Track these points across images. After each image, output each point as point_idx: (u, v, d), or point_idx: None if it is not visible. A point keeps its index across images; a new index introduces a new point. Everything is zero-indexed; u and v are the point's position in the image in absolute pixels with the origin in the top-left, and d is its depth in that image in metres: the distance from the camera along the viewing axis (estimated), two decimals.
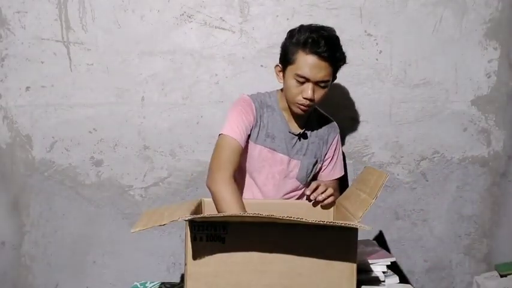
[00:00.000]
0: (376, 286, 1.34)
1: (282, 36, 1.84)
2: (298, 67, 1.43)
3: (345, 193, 1.44)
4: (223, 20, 1.87)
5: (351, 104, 1.91)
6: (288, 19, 1.85)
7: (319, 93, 1.46)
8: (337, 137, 1.67)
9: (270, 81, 1.85)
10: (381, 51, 1.88)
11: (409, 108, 1.92)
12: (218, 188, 1.41)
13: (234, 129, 1.48)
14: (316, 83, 1.44)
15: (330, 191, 1.44)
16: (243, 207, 1.37)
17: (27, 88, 1.90)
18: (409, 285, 1.39)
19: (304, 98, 1.45)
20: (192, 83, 1.89)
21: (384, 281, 1.36)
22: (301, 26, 1.47)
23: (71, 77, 1.89)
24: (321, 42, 1.40)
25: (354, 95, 1.91)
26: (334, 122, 1.68)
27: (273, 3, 1.86)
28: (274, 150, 1.56)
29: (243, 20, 1.87)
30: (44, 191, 1.94)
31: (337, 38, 1.47)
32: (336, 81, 1.87)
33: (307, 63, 1.41)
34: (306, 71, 1.42)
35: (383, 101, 1.91)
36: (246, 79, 1.87)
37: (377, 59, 1.89)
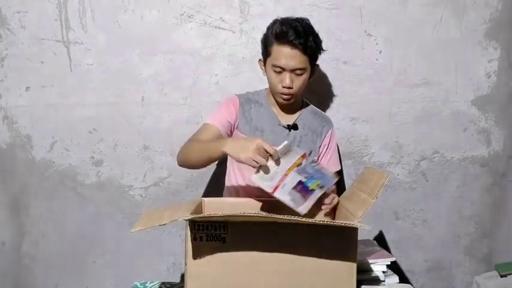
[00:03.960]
0: (376, 286, 1.34)
1: None
2: (274, 58, 1.50)
3: (345, 193, 1.44)
4: (223, 20, 1.87)
5: (351, 103, 1.91)
6: None
7: (298, 81, 1.52)
8: (332, 130, 1.68)
9: None
10: (381, 51, 1.88)
11: (409, 108, 1.92)
12: (180, 152, 1.50)
13: (213, 117, 1.57)
14: (292, 71, 1.50)
15: (335, 200, 1.41)
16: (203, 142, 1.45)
17: (27, 88, 1.90)
18: (409, 285, 1.39)
19: (284, 87, 1.51)
20: (192, 83, 1.89)
21: (383, 281, 1.36)
22: (276, 20, 1.55)
23: (71, 77, 1.89)
24: (290, 32, 1.46)
25: (354, 95, 1.91)
26: (328, 116, 1.72)
27: (273, 3, 1.86)
28: None
29: (243, 20, 1.87)
30: (44, 191, 1.94)
31: (308, 27, 1.51)
32: (336, 81, 1.89)
33: (281, 53, 1.48)
34: (280, 61, 1.48)
35: (383, 101, 1.91)
36: (246, 79, 1.87)
37: (377, 59, 1.89)
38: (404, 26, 1.87)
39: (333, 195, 1.44)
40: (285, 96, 1.53)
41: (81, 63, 1.88)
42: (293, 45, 1.46)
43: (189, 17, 1.86)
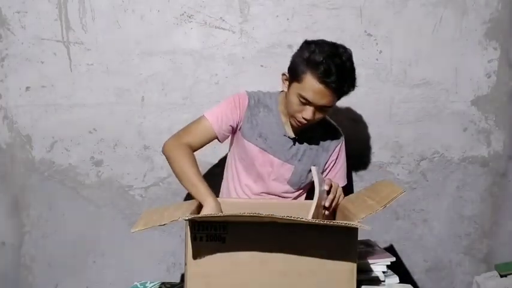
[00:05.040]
0: (376, 286, 1.34)
1: (283, 36, 1.86)
2: (303, 88, 1.38)
3: (349, 196, 1.43)
4: (223, 20, 1.87)
5: (350, 104, 1.91)
6: (288, 19, 1.86)
7: (320, 115, 1.44)
8: (340, 145, 1.62)
9: (270, 81, 1.85)
10: (381, 51, 1.88)
11: (409, 108, 1.92)
12: (169, 150, 1.46)
13: (214, 114, 1.51)
14: (318, 107, 1.41)
15: (339, 193, 1.40)
16: (196, 168, 1.42)
17: (27, 88, 1.90)
18: (409, 285, 1.38)
19: (304, 118, 1.43)
20: (192, 83, 1.89)
21: (384, 281, 1.36)
22: (318, 43, 1.40)
23: (71, 77, 1.89)
24: (332, 71, 1.33)
25: (354, 95, 1.89)
26: (339, 130, 1.63)
27: (273, 3, 1.86)
28: (265, 150, 1.54)
29: (243, 20, 1.87)
30: (44, 191, 1.94)
31: (350, 66, 1.40)
32: None
33: (313, 88, 1.36)
34: (310, 96, 1.38)
35: (383, 101, 1.91)
36: (246, 79, 1.87)
37: (377, 59, 1.89)
38: (404, 26, 1.87)
39: (335, 186, 1.40)
40: (299, 124, 1.46)
41: (81, 63, 1.88)
42: (329, 87, 1.35)
43: (189, 17, 1.86)
